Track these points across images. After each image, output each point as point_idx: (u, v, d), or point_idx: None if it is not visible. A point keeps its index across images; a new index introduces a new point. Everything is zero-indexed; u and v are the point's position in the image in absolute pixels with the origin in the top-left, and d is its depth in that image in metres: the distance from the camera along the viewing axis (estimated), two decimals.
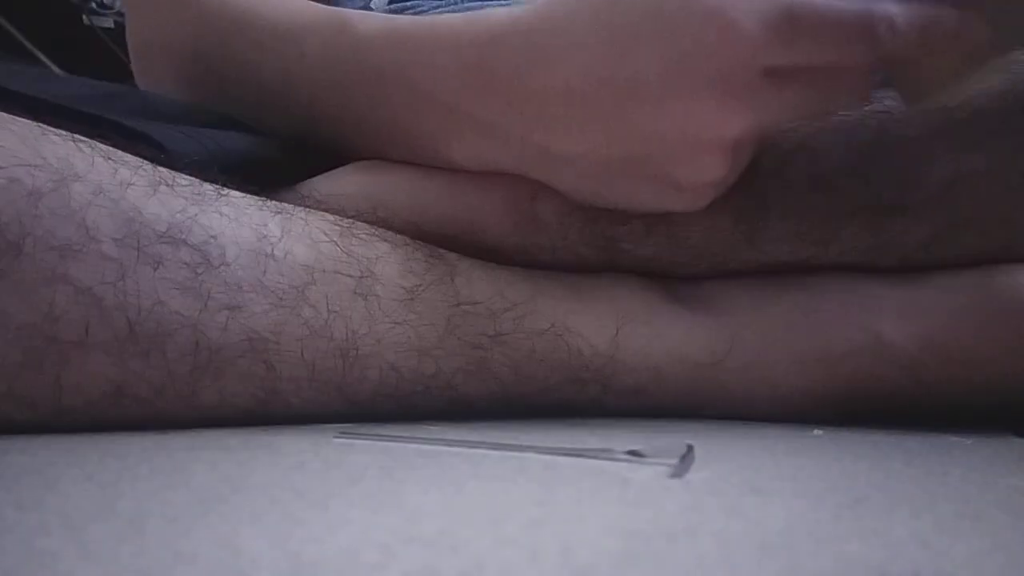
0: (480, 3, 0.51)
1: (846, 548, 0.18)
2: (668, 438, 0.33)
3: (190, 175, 0.33)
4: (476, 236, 0.39)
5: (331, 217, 0.36)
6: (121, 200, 0.30)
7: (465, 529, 0.19)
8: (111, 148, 0.31)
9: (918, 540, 0.19)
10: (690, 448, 0.27)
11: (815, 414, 0.39)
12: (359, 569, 0.16)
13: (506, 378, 0.37)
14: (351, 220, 0.37)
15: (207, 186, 0.33)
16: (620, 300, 0.39)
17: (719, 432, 0.35)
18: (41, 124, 0.30)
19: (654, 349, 0.39)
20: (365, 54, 0.39)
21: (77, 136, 0.30)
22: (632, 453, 0.27)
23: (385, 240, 0.37)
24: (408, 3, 0.53)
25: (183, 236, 0.31)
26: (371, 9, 0.53)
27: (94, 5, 1.42)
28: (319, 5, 0.42)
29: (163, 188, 0.31)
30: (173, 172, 0.32)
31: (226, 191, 0.34)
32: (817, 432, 0.36)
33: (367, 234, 0.36)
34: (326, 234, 0.35)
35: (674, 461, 0.26)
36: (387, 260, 0.36)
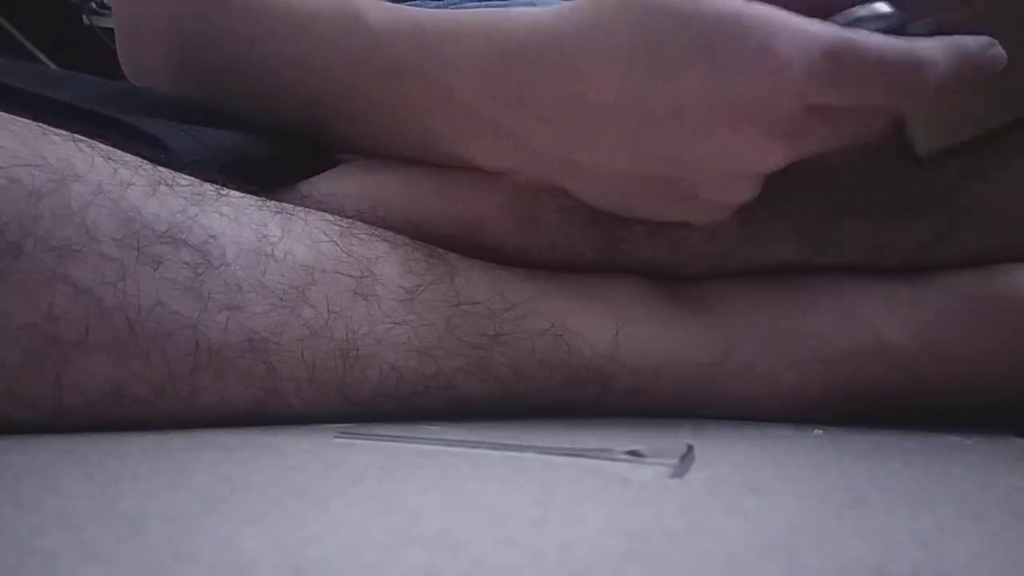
0: (481, 2, 0.51)
1: (846, 548, 0.18)
2: (668, 438, 0.33)
3: (190, 175, 0.33)
4: (476, 236, 0.39)
5: (331, 217, 0.36)
6: (121, 200, 0.30)
7: (465, 529, 0.19)
8: (111, 148, 0.31)
9: (918, 540, 0.19)
10: (690, 448, 0.27)
11: (815, 414, 0.39)
12: (359, 569, 0.16)
13: (506, 378, 0.37)
14: (351, 220, 0.37)
15: (207, 186, 0.33)
16: (620, 300, 0.39)
17: (719, 432, 0.35)
18: (41, 124, 0.30)
19: (654, 349, 0.39)
20: (379, 45, 0.38)
21: (77, 136, 0.30)
22: (632, 453, 0.27)
23: (385, 240, 0.36)
24: (408, 2, 0.53)
25: (183, 236, 0.31)
26: None
27: (94, 5, 1.42)
28: None
29: (163, 188, 0.31)
30: (173, 172, 0.32)
31: (226, 191, 0.34)
32: (817, 432, 0.36)
33: (367, 234, 0.36)
34: (326, 234, 0.35)
35: (674, 461, 0.26)
36: (387, 260, 0.35)
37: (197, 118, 0.40)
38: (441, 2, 0.52)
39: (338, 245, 0.35)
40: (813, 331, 0.39)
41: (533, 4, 0.47)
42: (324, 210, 0.37)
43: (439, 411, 0.36)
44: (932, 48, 0.31)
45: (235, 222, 0.32)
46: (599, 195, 0.37)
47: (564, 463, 0.27)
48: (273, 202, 0.35)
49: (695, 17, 0.31)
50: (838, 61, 0.31)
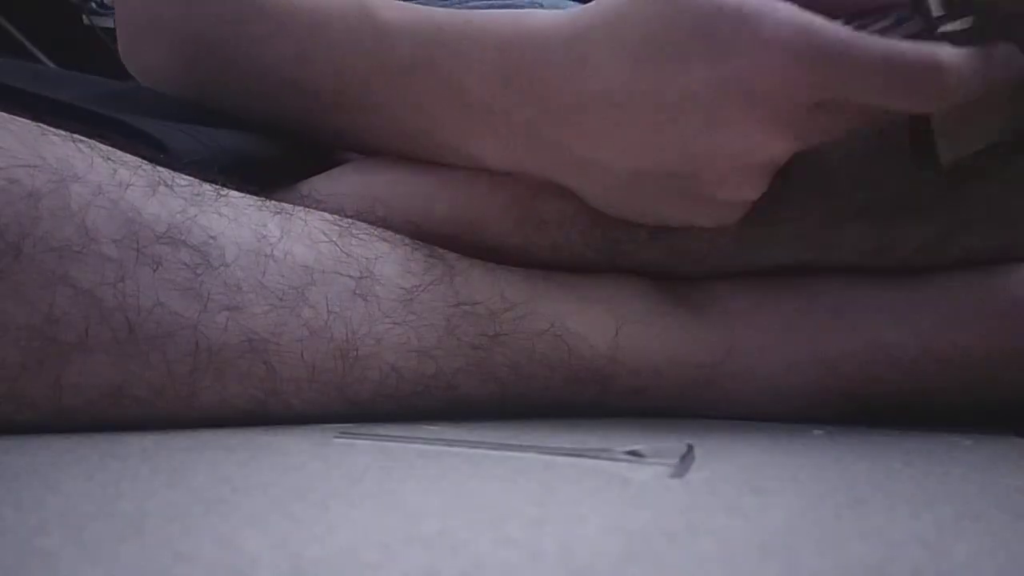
0: (484, 2, 0.51)
1: (846, 548, 0.18)
2: (668, 438, 0.33)
3: (189, 175, 0.33)
4: (476, 236, 0.39)
5: (330, 217, 0.36)
6: (120, 201, 0.30)
7: (465, 529, 0.19)
8: (110, 148, 0.31)
9: (918, 540, 0.19)
10: (690, 448, 0.27)
11: (815, 414, 0.39)
12: (359, 569, 0.16)
13: (506, 378, 0.37)
14: (350, 220, 0.37)
15: (206, 186, 0.33)
16: (620, 301, 0.39)
17: (719, 432, 0.35)
18: (40, 124, 0.30)
19: (654, 350, 0.39)
20: (392, 42, 0.38)
21: (76, 136, 0.30)
22: (632, 453, 0.27)
23: (384, 240, 0.36)
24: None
25: (182, 237, 0.31)
26: None
27: (94, 5, 1.42)
28: None
29: (162, 188, 0.31)
30: (172, 172, 0.32)
31: (225, 191, 0.34)
32: (817, 432, 0.36)
33: (366, 234, 0.36)
34: (325, 234, 0.35)
35: (674, 461, 0.26)
36: (386, 260, 0.35)
37: (197, 118, 0.40)
38: (447, 1, 0.52)
39: (337, 245, 0.34)
40: (813, 331, 0.39)
41: (540, 5, 0.48)
42: (324, 210, 0.37)
43: (439, 411, 0.36)
44: (955, 54, 0.31)
45: (234, 222, 0.32)
46: (607, 196, 0.37)
47: (564, 463, 0.27)
48: (272, 202, 0.35)
49: (698, 9, 0.32)
50: (844, 59, 0.31)
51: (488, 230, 0.39)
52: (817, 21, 0.31)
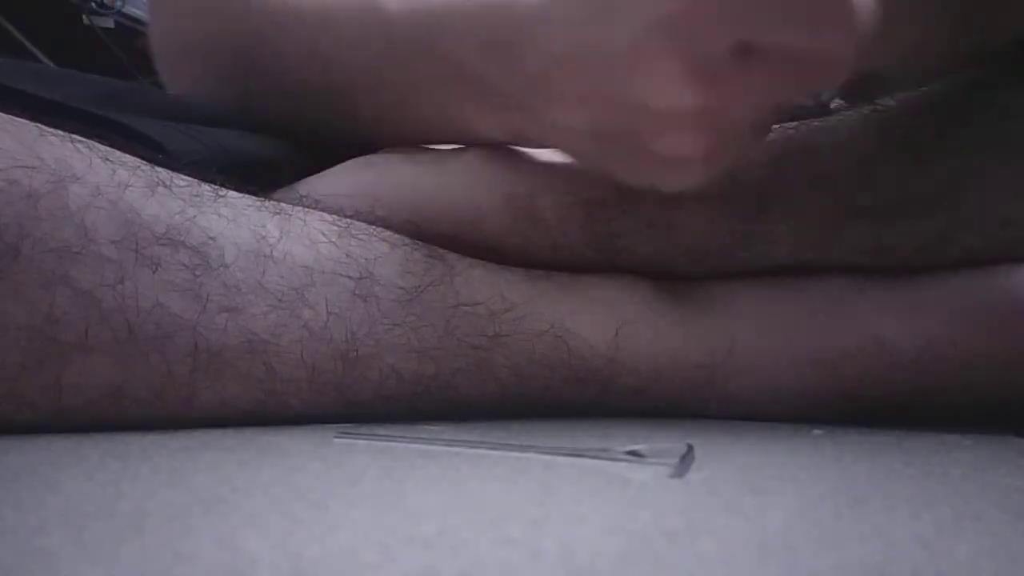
0: None
1: (846, 548, 0.18)
2: (668, 438, 0.33)
3: (188, 175, 0.33)
4: (476, 235, 0.39)
5: (329, 217, 0.36)
6: (119, 201, 0.30)
7: (465, 529, 0.19)
8: (109, 148, 0.31)
9: (918, 540, 0.19)
10: (690, 448, 0.27)
11: (815, 414, 0.39)
12: (359, 569, 0.16)
13: (506, 379, 0.37)
14: (349, 220, 0.37)
15: (205, 187, 0.33)
16: (620, 301, 0.39)
17: (719, 432, 0.35)
18: (39, 124, 0.30)
19: (654, 350, 0.39)
20: (396, 32, 0.38)
21: (75, 137, 0.30)
22: (632, 453, 0.27)
23: (384, 240, 0.36)
24: None
25: (182, 238, 0.31)
26: None
27: (94, 5, 1.41)
28: None
29: (161, 189, 0.31)
30: (171, 173, 0.32)
31: (224, 192, 0.34)
32: (817, 432, 0.36)
33: (365, 234, 0.36)
34: (324, 235, 0.35)
35: (674, 461, 0.26)
36: (386, 261, 0.35)
37: (197, 118, 0.40)
38: None
39: (337, 246, 0.35)
40: (813, 331, 0.39)
41: None
42: (323, 210, 0.37)
43: (439, 412, 0.36)
44: None
45: (233, 223, 0.32)
46: (585, 155, 0.37)
47: (564, 463, 0.27)
48: (272, 202, 0.35)
49: None
50: None
51: (487, 227, 0.39)
52: None
